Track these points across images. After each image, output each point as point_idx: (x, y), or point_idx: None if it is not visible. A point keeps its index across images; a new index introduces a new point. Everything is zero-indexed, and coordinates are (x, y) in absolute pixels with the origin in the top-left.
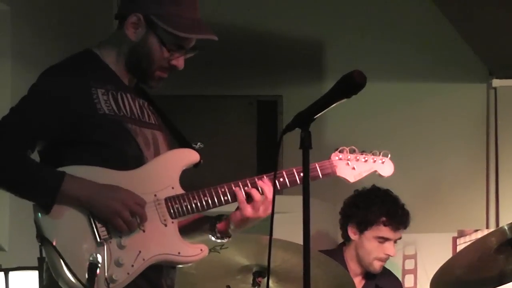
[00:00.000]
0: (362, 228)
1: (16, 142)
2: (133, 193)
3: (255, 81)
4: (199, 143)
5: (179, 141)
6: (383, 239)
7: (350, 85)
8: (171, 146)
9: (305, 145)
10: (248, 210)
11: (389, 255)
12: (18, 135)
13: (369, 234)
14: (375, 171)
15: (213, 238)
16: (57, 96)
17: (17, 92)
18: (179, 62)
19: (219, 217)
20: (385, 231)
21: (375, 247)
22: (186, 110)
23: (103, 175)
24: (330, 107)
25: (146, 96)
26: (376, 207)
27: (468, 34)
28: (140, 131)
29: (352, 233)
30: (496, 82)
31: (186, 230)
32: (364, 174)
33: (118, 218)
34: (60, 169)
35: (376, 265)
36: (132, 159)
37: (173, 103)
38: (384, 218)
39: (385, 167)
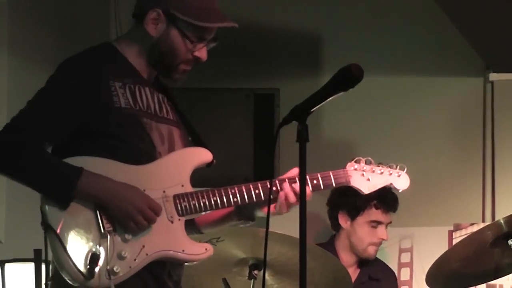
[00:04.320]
0: (353, 214)
1: (35, 135)
2: (149, 198)
3: (252, 74)
4: None
5: (194, 138)
6: (376, 223)
7: (347, 79)
8: (187, 143)
9: (302, 138)
10: (284, 209)
11: (382, 239)
12: (36, 129)
13: (361, 219)
14: (391, 184)
15: (238, 222)
16: (76, 89)
17: (14, 85)
18: (202, 53)
19: (245, 207)
20: (376, 214)
21: (367, 232)
22: (182, 103)
23: (114, 168)
24: (327, 100)
25: (165, 91)
26: None
27: (465, 28)
28: (156, 126)
29: (343, 221)
30: (493, 76)
31: (213, 223)
32: (379, 186)
33: (130, 221)
34: (73, 158)
35: (371, 250)
36: (144, 153)
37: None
38: (375, 201)
39: (401, 180)
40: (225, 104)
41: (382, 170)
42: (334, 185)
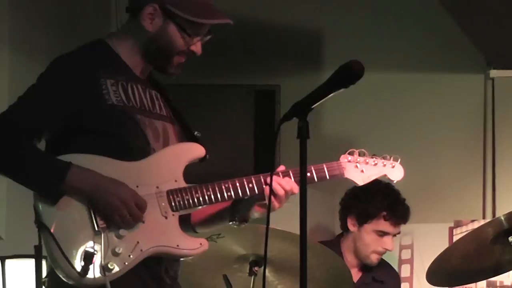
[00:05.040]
0: (361, 220)
1: (23, 131)
2: (135, 194)
3: (253, 71)
4: (196, 132)
5: (187, 134)
6: (383, 233)
7: (348, 75)
8: (181, 138)
9: (303, 135)
10: (276, 205)
11: (386, 249)
12: (25, 124)
13: (369, 227)
14: (385, 175)
15: (230, 223)
16: (65, 86)
17: (15, 80)
18: (198, 47)
19: (238, 207)
20: (385, 226)
21: (373, 240)
22: (183, 100)
23: (106, 164)
24: (328, 97)
25: (159, 88)
26: (377, 200)
27: (466, 25)
28: (150, 122)
29: (351, 225)
30: (494, 73)
31: (206, 222)
32: (373, 178)
33: (116, 215)
34: (64, 156)
35: (373, 258)
36: (138, 150)
37: (170, 92)
38: (384, 213)
39: (395, 171)
40: (226, 101)
41: (376, 162)
42: (328, 177)
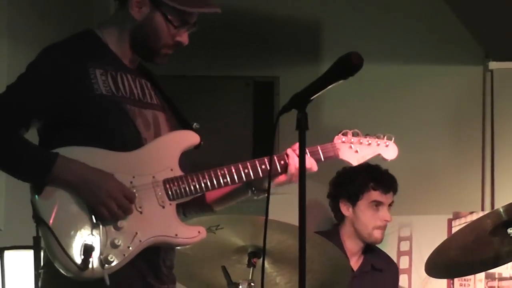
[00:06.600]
0: (353, 199)
1: (11, 120)
2: (122, 185)
3: (251, 62)
4: (195, 124)
5: (180, 122)
6: (377, 203)
7: (347, 67)
8: (173, 127)
9: (302, 126)
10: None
11: (386, 221)
12: (13, 113)
13: (362, 203)
14: (379, 154)
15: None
16: (54, 75)
17: (14, 72)
18: (184, 37)
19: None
20: (375, 195)
21: (370, 215)
22: (182, 91)
23: (100, 156)
24: (326, 89)
25: (149, 76)
26: (360, 176)
27: (464, 16)
28: (140, 112)
29: (345, 210)
30: (492, 65)
31: (225, 198)
32: (368, 158)
33: (103, 208)
34: (59, 150)
35: (377, 234)
36: (129, 140)
37: (169, 83)
38: (371, 183)
39: (389, 150)
40: (224, 92)
41: (369, 141)
42: (322, 159)
